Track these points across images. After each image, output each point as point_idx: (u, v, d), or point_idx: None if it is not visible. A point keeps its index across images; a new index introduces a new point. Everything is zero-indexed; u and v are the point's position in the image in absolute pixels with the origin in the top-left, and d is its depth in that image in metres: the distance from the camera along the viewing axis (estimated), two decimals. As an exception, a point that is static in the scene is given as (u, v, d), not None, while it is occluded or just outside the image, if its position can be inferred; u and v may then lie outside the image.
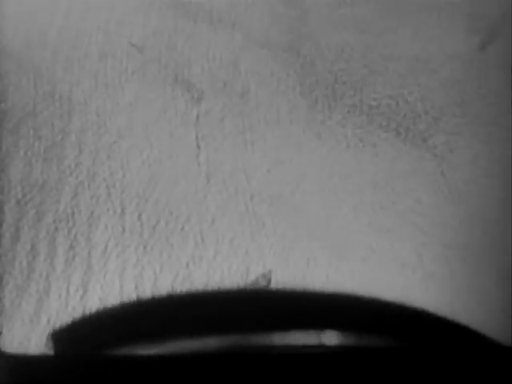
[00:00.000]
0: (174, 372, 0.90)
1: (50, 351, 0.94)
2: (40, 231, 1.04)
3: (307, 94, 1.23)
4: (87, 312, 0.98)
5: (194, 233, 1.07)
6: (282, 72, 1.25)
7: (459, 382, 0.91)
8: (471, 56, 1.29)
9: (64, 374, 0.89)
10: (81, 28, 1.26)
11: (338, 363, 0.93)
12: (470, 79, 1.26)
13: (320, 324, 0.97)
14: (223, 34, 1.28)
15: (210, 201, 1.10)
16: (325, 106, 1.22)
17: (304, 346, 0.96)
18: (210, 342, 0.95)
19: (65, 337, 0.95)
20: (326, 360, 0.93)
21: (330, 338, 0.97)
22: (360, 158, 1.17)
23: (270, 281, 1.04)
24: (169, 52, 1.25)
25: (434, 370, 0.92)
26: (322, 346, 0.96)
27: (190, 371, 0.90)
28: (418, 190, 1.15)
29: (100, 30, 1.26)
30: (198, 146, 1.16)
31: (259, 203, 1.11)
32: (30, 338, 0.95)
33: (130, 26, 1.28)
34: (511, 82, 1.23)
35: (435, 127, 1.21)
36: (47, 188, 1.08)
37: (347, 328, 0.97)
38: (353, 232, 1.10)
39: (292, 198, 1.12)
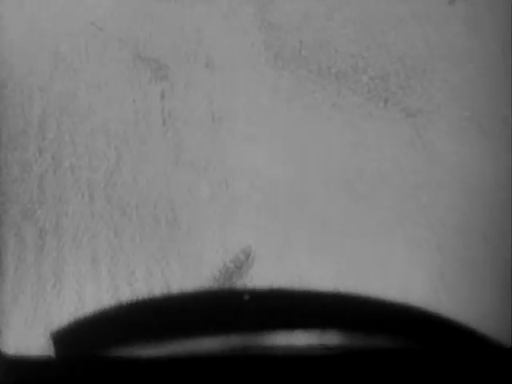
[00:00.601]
0: (175, 374, 0.90)
1: (51, 353, 0.92)
2: (6, 223, 1.01)
3: (273, 62, 1.20)
4: (61, 303, 0.96)
5: (165, 213, 1.05)
6: (246, 41, 1.22)
7: (458, 383, 0.91)
8: (440, 12, 1.26)
9: (64, 376, 0.89)
10: (38, 10, 1.22)
11: (340, 364, 0.93)
12: (440, 36, 1.23)
13: (321, 324, 0.96)
14: (184, 5, 1.25)
15: (181, 178, 1.08)
16: (293, 73, 1.19)
17: (305, 347, 0.95)
18: (211, 343, 0.94)
19: (65, 338, 0.94)
20: (327, 361, 0.93)
21: (332, 338, 0.96)
22: (333, 123, 1.15)
23: (249, 256, 1.03)
24: (129, 28, 1.22)
25: (434, 370, 0.92)
26: (323, 347, 0.95)
27: (190, 373, 0.90)
28: (395, 152, 1.13)
29: (58, 11, 1.23)
30: (165, 122, 1.13)
31: (232, 178, 1.09)
32: (7, 337, 0.94)
33: (89, 5, 1.24)
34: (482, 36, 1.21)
35: (407, 87, 1.19)
36: (12, 178, 1.05)
37: (349, 328, 0.96)
38: (330, 200, 1.08)
39: (266, 171, 1.10)
